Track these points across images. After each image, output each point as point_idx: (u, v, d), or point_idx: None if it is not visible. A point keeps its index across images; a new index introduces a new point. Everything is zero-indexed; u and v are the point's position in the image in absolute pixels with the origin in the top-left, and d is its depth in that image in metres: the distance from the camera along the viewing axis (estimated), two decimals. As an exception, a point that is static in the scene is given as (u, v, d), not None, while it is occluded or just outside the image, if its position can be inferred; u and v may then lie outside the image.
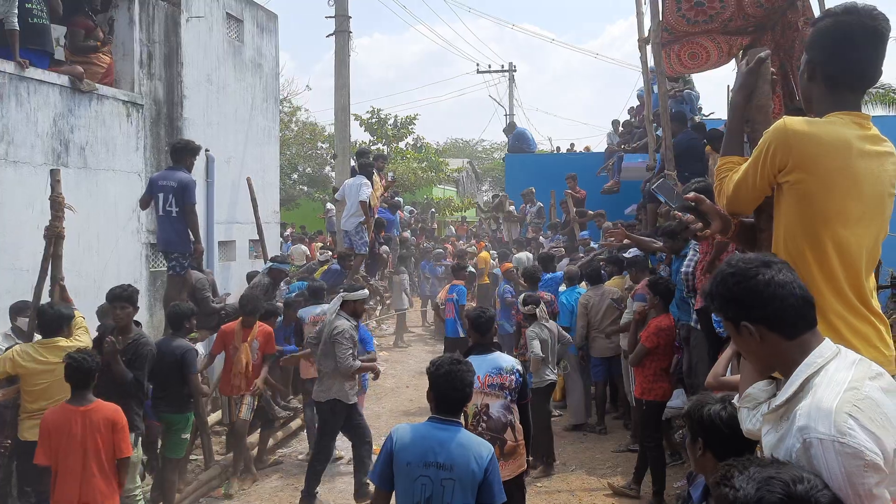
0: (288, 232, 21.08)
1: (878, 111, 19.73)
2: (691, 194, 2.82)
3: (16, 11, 7.43)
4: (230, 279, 11.37)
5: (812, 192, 2.48)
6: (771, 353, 2.06)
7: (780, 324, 2.00)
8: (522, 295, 8.74)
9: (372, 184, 12.39)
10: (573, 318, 9.57)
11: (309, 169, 28.05)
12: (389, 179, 15.44)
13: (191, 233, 8.14)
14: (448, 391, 3.86)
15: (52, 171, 6.39)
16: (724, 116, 15.18)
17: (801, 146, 2.47)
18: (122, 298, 6.14)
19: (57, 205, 6.24)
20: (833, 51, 2.54)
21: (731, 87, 13.97)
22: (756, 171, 2.60)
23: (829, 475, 1.72)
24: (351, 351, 7.08)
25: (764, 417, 2.12)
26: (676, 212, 2.86)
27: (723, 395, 2.82)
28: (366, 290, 7.95)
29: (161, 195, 8.00)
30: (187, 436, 7.16)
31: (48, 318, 5.81)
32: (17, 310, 6.83)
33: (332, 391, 7.17)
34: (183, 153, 8.23)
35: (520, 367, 5.56)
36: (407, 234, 19.67)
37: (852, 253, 2.47)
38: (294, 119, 27.64)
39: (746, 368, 2.43)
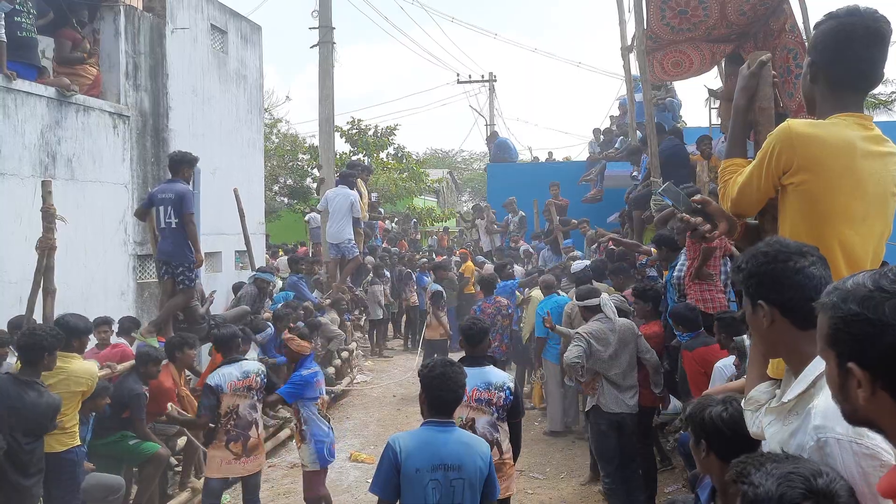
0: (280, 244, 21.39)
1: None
2: (698, 196, 2.85)
3: (2, 23, 7.41)
4: (216, 290, 11.31)
5: (817, 192, 2.51)
6: (778, 338, 2.09)
7: (793, 312, 2.03)
8: None
9: (360, 195, 12.43)
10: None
11: (290, 180, 27.95)
12: (373, 201, 15.49)
13: (191, 243, 8.09)
14: (442, 392, 3.90)
15: (43, 182, 6.36)
16: (705, 124, 15.39)
17: (806, 148, 2.50)
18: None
19: (49, 216, 6.20)
20: (835, 52, 2.55)
21: (708, 87, 14.09)
22: (761, 174, 2.62)
23: (845, 475, 1.74)
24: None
25: (766, 409, 2.16)
26: (684, 214, 2.87)
27: (724, 397, 2.84)
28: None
29: (161, 208, 7.97)
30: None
31: (64, 330, 5.61)
32: (14, 325, 6.62)
33: None
34: (180, 165, 8.19)
35: (511, 385, 5.25)
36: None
37: (858, 253, 2.50)
38: (275, 131, 27.60)
39: (751, 372, 2.47)
